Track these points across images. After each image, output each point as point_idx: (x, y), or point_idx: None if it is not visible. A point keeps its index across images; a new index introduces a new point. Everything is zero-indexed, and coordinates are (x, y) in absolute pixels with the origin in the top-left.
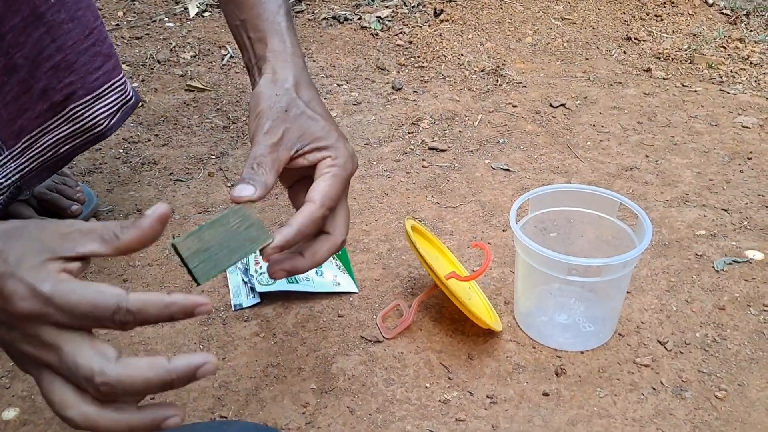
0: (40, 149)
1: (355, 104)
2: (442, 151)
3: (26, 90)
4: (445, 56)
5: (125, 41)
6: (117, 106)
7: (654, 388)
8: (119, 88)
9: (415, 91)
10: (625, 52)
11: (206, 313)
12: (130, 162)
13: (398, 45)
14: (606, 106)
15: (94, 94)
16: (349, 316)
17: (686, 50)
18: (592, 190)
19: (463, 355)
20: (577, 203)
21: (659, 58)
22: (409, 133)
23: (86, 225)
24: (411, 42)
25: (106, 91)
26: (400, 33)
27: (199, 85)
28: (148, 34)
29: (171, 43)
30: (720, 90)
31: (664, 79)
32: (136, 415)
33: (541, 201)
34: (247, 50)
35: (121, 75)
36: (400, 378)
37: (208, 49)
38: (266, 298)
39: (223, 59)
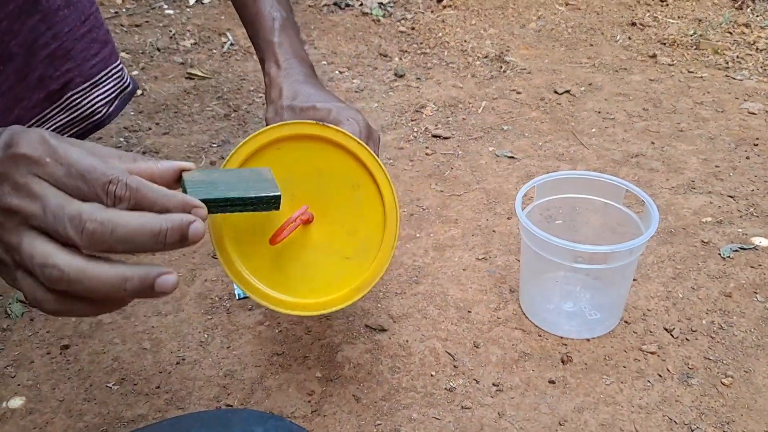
0: None
1: (357, 91)
2: (445, 138)
3: (22, 79)
4: (448, 42)
5: (124, 29)
6: (115, 93)
7: (660, 375)
8: (117, 75)
9: (418, 78)
10: (630, 38)
11: (201, 217)
12: (131, 151)
13: (400, 31)
14: (611, 93)
15: (91, 81)
16: (353, 305)
17: (692, 36)
18: (599, 177)
19: (469, 343)
20: (583, 190)
21: (665, 43)
22: (412, 120)
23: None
24: (413, 28)
25: (104, 78)
26: (402, 19)
27: (200, 73)
28: (147, 22)
29: (171, 31)
30: (726, 76)
31: (669, 65)
32: (128, 266)
33: (547, 188)
34: (259, 49)
35: (118, 61)
36: (406, 366)
37: (209, 37)
38: None
39: (223, 47)
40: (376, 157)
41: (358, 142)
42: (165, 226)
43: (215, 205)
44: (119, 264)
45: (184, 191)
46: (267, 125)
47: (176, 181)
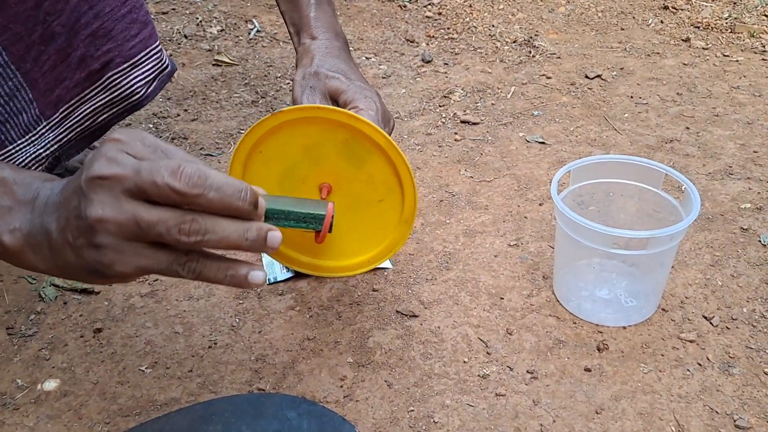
0: (77, 119)
1: (384, 77)
2: (474, 124)
3: (64, 58)
4: (475, 27)
5: (152, 16)
6: (154, 74)
7: (700, 364)
8: (156, 56)
9: (446, 64)
10: (662, 22)
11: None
12: (160, 137)
13: (427, 16)
14: (643, 77)
15: (131, 61)
16: (384, 291)
17: (726, 19)
18: (637, 161)
19: (502, 330)
20: (620, 175)
21: (698, 27)
22: (440, 106)
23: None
24: (440, 13)
25: (143, 59)
26: (429, 4)
27: (227, 60)
28: (174, 9)
29: (197, 18)
30: (762, 59)
31: (703, 48)
32: (244, 221)
33: (583, 173)
34: (291, 39)
35: (157, 43)
36: (438, 352)
37: (235, 24)
38: (299, 273)
39: (249, 33)
40: (397, 147)
41: (380, 132)
42: (245, 185)
43: (274, 215)
44: (236, 220)
45: None
46: (294, 88)
47: None
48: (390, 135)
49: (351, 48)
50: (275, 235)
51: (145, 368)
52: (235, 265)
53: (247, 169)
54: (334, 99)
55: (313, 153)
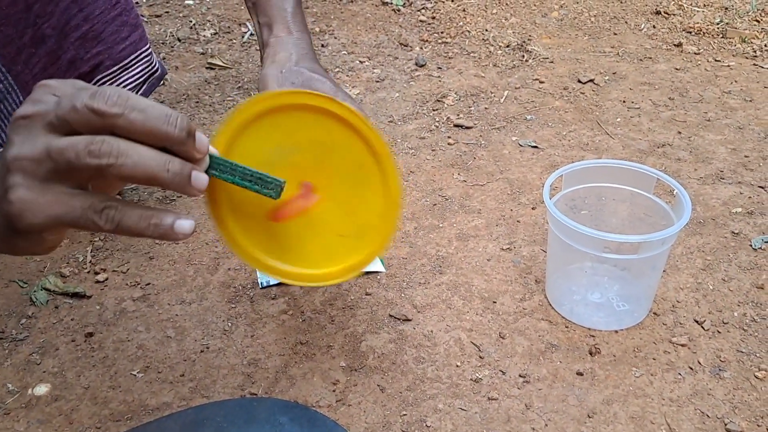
0: None
1: (378, 81)
2: (467, 128)
3: (54, 61)
4: (469, 32)
5: (145, 19)
6: (143, 77)
7: (691, 368)
8: (146, 59)
9: (439, 68)
10: (654, 27)
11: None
12: None
13: (421, 21)
14: (636, 82)
15: (121, 64)
16: (377, 295)
17: (718, 24)
18: (629, 166)
19: (494, 334)
20: (612, 179)
21: (690, 32)
22: (433, 110)
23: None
24: (434, 17)
25: (133, 62)
26: (423, 8)
27: (220, 63)
28: (167, 12)
29: (191, 21)
30: (754, 65)
31: (695, 53)
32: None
33: (575, 177)
34: (257, 32)
35: (147, 46)
36: (431, 356)
37: (229, 27)
38: None
39: (243, 36)
40: (385, 142)
41: (369, 125)
42: (175, 112)
43: (219, 165)
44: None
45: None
46: (267, 81)
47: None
48: None
49: (345, 52)
50: (201, 176)
51: (137, 373)
52: (160, 213)
53: (235, 144)
54: None
55: (296, 140)
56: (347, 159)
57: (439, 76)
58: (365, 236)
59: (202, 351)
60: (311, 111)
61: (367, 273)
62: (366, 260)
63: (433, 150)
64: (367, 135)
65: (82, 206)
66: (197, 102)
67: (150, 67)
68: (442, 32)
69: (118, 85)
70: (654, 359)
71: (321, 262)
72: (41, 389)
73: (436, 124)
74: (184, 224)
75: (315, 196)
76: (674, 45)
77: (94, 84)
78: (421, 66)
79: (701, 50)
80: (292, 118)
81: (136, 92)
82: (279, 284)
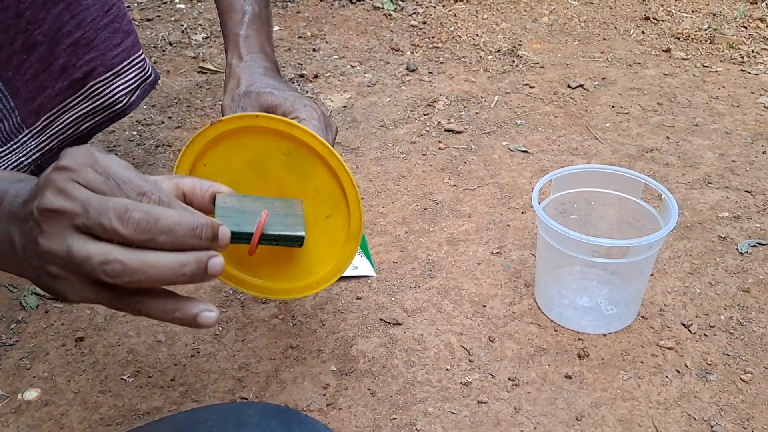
0: (60, 127)
1: (369, 86)
2: (458, 132)
3: (46, 67)
4: (460, 37)
5: (136, 23)
6: (137, 83)
7: (678, 371)
8: (139, 65)
9: (430, 72)
10: (643, 32)
11: (226, 238)
12: (144, 144)
13: (412, 25)
14: (625, 87)
15: (113, 71)
16: (367, 299)
17: (706, 30)
18: (617, 171)
19: (484, 338)
20: (600, 184)
21: (679, 38)
22: (424, 114)
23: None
24: (425, 22)
25: (126, 68)
26: (414, 13)
27: (212, 67)
28: (159, 16)
29: (182, 25)
30: (741, 70)
31: (683, 59)
32: (181, 253)
33: (564, 182)
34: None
35: (140, 52)
36: (421, 360)
37: (220, 31)
38: None
39: None
40: (339, 158)
41: (319, 139)
42: (201, 222)
43: (240, 237)
44: (172, 253)
45: (215, 216)
46: (223, 114)
47: (212, 201)
48: (333, 142)
49: (336, 56)
50: (216, 262)
51: (128, 377)
52: (184, 304)
53: (199, 164)
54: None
55: (257, 166)
56: (302, 176)
57: (430, 81)
58: (329, 248)
59: (192, 355)
60: (258, 133)
61: (358, 277)
62: (332, 273)
63: (423, 154)
64: (321, 151)
65: (110, 297)
66: (188, 106)
67: (143, 73)
68: (433, 37)
69: (111, 91)
70: (642, 362)
71: (289, 278)
72: (31, 394)
73: (427, 128)
74: (209, 316)
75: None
76: (663, 51)
77: (88, 90)
78: (413, 71)
79: (689, 56)
80: (241, 143)
81: (129, 98)
82: None
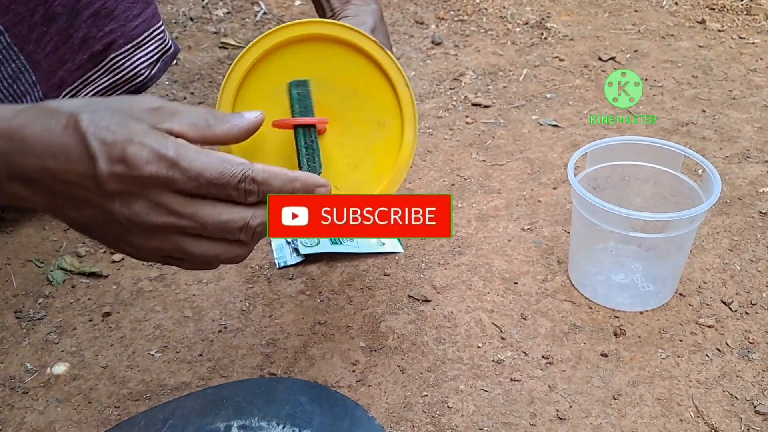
0: None
1: None
2: (486, 107)
3: (66, 40)
4: (486, 9)
5: None
6: (157, 55)
7: (719, 350)
8: (159, 37)
9: (456, 46)
10: (676, 3)
11: (326, 193)
12: None
13: None
14: (658, 60)
15: (134, 42)
16: (395, 275)
17: (742, 0)
18: (657, 143)
19: (516, 315)
20: (638, 157)
21: (713, 9)
22: (450, 88)
23: (171, 104)
24: None
25: (146, 40)
26: None
27: (234, 42)
28: None
29: (203, 0)
30: None
31: (719, 31)
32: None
33: (600, 155)
34: (324, 5)
35: (160, 23)
36: (451, 337)
37: (241, 6)
38: (309, 257)
39: (256, 16)
40: (415, 110)
41: (408, 87)
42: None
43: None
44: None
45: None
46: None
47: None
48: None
49: None
50: (324, 191)
51: (155, 352)
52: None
53: (269, 59)
54: None
55: (340, 81)
56: (373, 114)
57: (456, 54)
58: (371, 183)
59: (220, 331)
60: (360, 53)
61: (385, 254)
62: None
63: (450, 129)
64: (395, 81)
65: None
66: (210, 82)
67: (163, 45)
68: (458, 10)
69: (132, 64)
70: (680, 341)
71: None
72: (60, 368)
73: (454, 103)
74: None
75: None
76: (697, 22)
77: (109, 63)
78: (438, 44)
79: (725, 27)
80: (338, 54)
81: (150, 71)
82: (296, 265)
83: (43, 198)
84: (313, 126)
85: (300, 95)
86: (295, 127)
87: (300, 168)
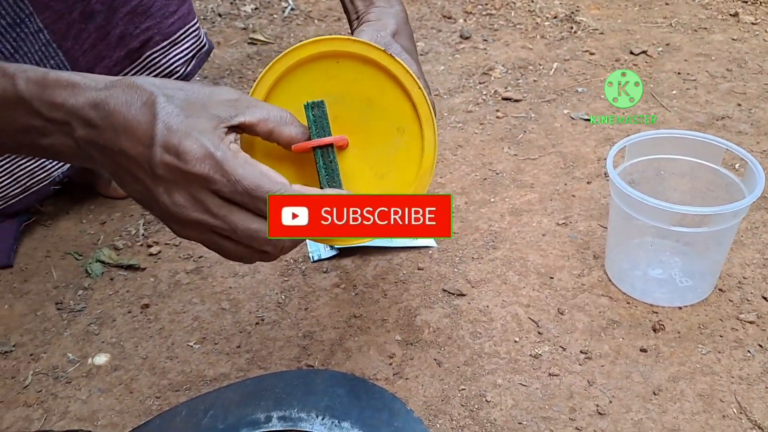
0: None
1: (422, 54)
2: (516, 101)
3: (103, 37)
4: (514, 3)
5: None
6: (192, 52)
7: (761, 346)
8: (194, 34)
9: (485, 40)
10: None
11: None
12: None
13: None
14: (691, 53)
15: (170, 39)
16: (429, 269)
17: None
18: (697, 136)
19: (553, 310)
20: (678, 151)
21: (746, 1)
22: (480, 83)
23: (249, 97)
24: None
25: (182, 37)
26: None
27: (262, 38)
28: None
29: None
30: None
31: (753, 23)
32: None
33: (638, 148)
34: (348, 7)
35: (195, 20)
36: (487, 332)
37: (269, 2)
38: (343, 250)
39: (284, 11)
40: (432, 110)
41: (421, 89)
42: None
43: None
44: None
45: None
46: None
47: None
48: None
49: None
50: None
51: (194, 344)
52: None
53: (286, 80)
54: None
55: (355, 95)
56: (390, 122)
57: (485, 49)
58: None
59: (257, 323)
60: (369, 64)
61: (418, 248)
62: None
63: (481, 124)
64: (407, 85)
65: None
66: (240, 77)
67: (198, 42)
68: (486, 4)
69: (168, 61)
70: (721, 336)
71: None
72: (101, 359)
73: (484, 97)
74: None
75: (345, 140)
76: (730, 15)
77: (145, 60)
78: (466, 38)
79: (759, 20)
80: (349, 68)
81: (185, 68)
82: (330, 258)
83: (110, 166)
84: (330, 145)
85: (315, 117)
86: (314, 149)
87: (321, 187)
